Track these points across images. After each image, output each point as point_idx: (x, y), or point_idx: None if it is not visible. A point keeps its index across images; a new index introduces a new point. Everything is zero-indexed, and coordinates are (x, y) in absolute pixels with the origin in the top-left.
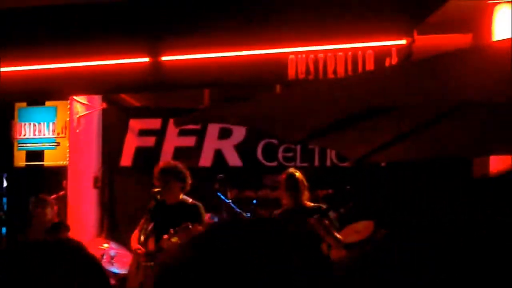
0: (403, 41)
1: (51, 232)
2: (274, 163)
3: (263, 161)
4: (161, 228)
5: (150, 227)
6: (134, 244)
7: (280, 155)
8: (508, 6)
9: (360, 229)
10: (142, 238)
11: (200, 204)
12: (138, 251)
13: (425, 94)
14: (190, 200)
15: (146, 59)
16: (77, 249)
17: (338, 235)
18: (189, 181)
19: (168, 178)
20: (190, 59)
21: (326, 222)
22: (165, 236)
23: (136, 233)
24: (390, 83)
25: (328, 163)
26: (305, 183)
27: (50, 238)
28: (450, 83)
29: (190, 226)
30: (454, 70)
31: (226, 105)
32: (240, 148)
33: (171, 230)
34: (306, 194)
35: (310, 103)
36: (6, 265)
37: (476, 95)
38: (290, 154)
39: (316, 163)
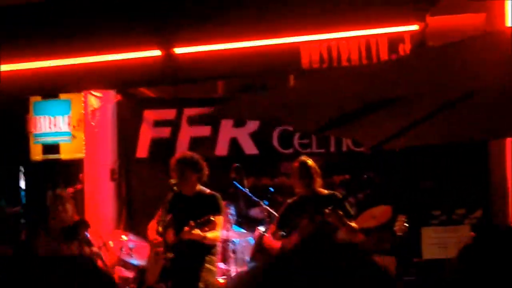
0: (416, 27)
1: (72, 230)
2: (290, 150)
3: (279, 149)
4: (179, 219)
5: (168, 218)
6: (152, 234)
7: (296, 142)
8: None
9: (378, 215)
10: (160, 229)
11: (217, 195)
12: (155, 241)
13: (438, 84)
14: (208, 190)
15: (159, 52)
16: (90, 266)
17: (352, 224)
18: (206, 171)
19: (184, 169)
20: (203, 51)
21: (340, 212)
22: (186, 228)
23: (153, 223)
24: (403, 73)
25: (344, 148)
26: (318, 170)
27: (71, 237)
28: (462, 72)
29: (212, 218)
30: (465, 58)
31: (239, 101)
32: (255, 136)
33: (192, 222)
34: (319, 181)
35: (324, 94)
36: (20, 279)
37: (488, 82)
38: (306, 141)
39: (332, 149)
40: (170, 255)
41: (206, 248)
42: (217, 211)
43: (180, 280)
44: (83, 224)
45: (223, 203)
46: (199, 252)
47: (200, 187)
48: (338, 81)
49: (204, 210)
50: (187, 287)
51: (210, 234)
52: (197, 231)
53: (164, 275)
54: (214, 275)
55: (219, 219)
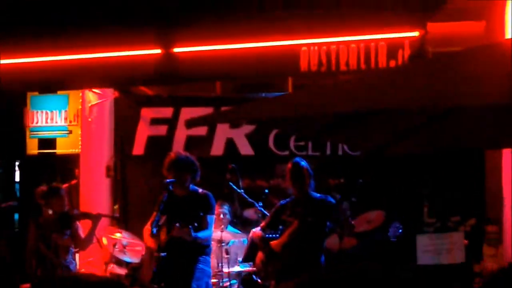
0: (415, 33)
1: (66, 218)
2: (286, 152)
3: (275, 150)
4: (172, 219)
5: (162, 219)
6: (147, 238)
7: (291, 144)
8: None
9: (372, 219)
10: (153, 230)
11: (210, 194)
12: (150, 245)
13: (434, 95)
14: (200, 190)
15: (158, 51)
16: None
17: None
18: (199, 172)
19: (179, 170)
20: (202, 50)
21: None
22: (176, 226)
23: (148, 226)
24: (400, 82)
25: (340, 152)
26: (310, 172)
27: (65, 226)
28: (459, 83)
29: (202, 214)
30: (464, 69)
31: (237, 107)
32: (251, 137)
33: (177, 224)
34: (311, 184)
35: (321, 100)
36: None
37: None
38: (301, 143)
39: (328, 152)
40: (160, 254)
41: (199, 248)
42: (210, 210)
43: (174, 280)
44: (73, 215)
45: (215, 202)
46: (192, 252)
47: (192, 186)
48: (335, 88)
49: (197, 210)
50: (180, 287)
51: (201, 234)
52: (187, 229)
53: (158, 274)
54: (207, 275)
55: (211, 218)
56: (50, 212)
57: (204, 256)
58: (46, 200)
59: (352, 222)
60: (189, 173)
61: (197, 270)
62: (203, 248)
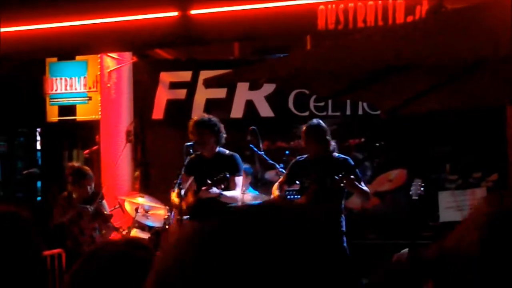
0: None
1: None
2: (306, 113)
3: (295, 111)
4: (199, 181)
5: (189, 181)
6: (175, 200)
7: (311, 104)
8: None
9: (394, 178)
10: (182, 192)
11: (236, 155)
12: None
13: (455, 49)
14: (227, 151)
15: (175, 13)
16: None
17: (365, 188)
18: (224, 134)
19: (203, 132)
20: (219, 12)
21: (352, 177)
22: (204, 188)
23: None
24: (420, 38)
25: (360, 111)
26: (327, 133)
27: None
28: (481, 36)
29: (228, 176)
30: (484, 22)
31: (255, 64)
32: (271, 99)
33: (208, 181)
34: (331, 144)
35: (340, 58)
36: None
37: (507, 47)
38: (321, 104)
39: (348, 112)
40: (185, 217)
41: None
42: (236, 171)
43: None
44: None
45: (242, 164)
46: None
47: (219, 148)
48: (354, 45)
49: (223, 171)
50: None
51: (228, 192)
52: (213, 188)
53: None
54: None
55: (238, 179)
56: (74, 195)
57: None
58: (73, 179)
59: (365, 188)
60: (212, 134)
61: None
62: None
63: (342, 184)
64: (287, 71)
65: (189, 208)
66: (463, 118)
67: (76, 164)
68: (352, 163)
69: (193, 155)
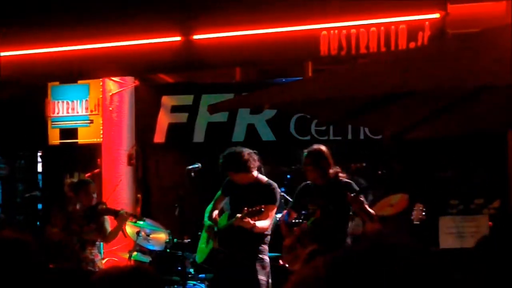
0: (436, 15)
1: (92, 211)
2: (307, 137)
3: (296, 135)
4: (234, 205)
5: (221, 203)
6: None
7: (313, 129)
8: None
9: (395, 203)
10: (214, 213)
11: (273, 184)
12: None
13: (457, 76)
14: (265, 179)
15: (178, 38)
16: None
17: (370, 210)
18: (256, 163)
19: (232, 170)
20: (221, 37)
21: (361, 198)
22: (239, 215)
23: (212, 208)
24: (422, 64)
25: (362, 136)
26: (329, 158)
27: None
28: (482, 63)
29: (263, 210)
30: (486, 49)
31: (259, 91)
32: (272, 123)
33: (245, 209)
34: (333, 169)
35: (341, 85)
36: None
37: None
38: (323, 128)
39: (349, 136)
40: (216, 244)
41: (258, 237)
42: (272, 201)
43: (235, 271)
44: (102, 209)
45: (278, 192)
46: (252, 241)
47: (258, 175)
48: (357, 71)
49: (259, 199)
50: (243, 277)
51: (259, 223)
52: (247, 219)
53: (215, 261)
54: (267, 264)
55: (272, 209)
56: (78, 206)
57: (262, 245)
58: (75, 193)
59: (371, 211)
60: (244, 172)
61: (258, 261)
62: (262, 237)
63: (352, 202)
64: (290, 98)
65: (220, 231)
66: (465, 144)
67: (74, 179)
68: (356, 187)
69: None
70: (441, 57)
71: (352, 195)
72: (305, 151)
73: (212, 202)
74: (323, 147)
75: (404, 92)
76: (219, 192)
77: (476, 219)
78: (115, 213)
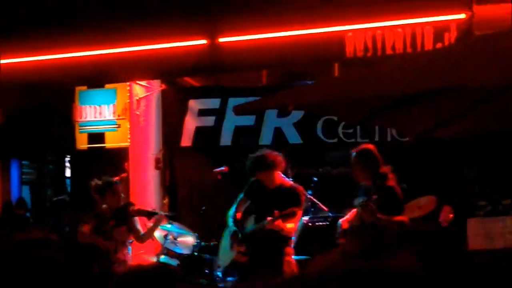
0: (462, 15)
1: (122, 213)
2: (335, 140)
3: (323, 138)
4: (260, 209)
5: (245, 206)
6: (233, 223)
7: (340, 131)
8: None
9: (423, 204)
10: (239, 215)
11: (299, 187)
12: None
13: (483, 75)
14: (290, 182)
15: (204, 41)
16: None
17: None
18: (282, 165)
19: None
20: (247, 40)
21: (372, 205)
22: (269, 218)
23: (234, 211)
24: (448, 63)
25: (389, 138)
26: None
27: (122, 221)
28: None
29: (295, 213)
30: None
31: (282, 91)
32: (299, 126)
33: (276, 212)
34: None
35: (369, 84)
36: None
37: None
38: (350, 131)
39: (377, 138)
40: (242, 248)
41: (285, 240)
42: (298, 204)
43: (262, 273)
44: (132, 211)
45: (304, 195)
46: (279, 244)
47: (281, 178)
48: (383, 71)
49: (286, 203)
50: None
51: (288, 225)
52: (279, 222)
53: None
54: (293, 267)
55: (298, 211)
56: (104, 206)
57: (288, 248)
58: (101, 194)
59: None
60: (269, 171)
61: (285, 263)
62: (288, 239)
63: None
64: (314, 98)
65: (247, 234)
66: (493, 143)
67: (99, 181)
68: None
69: (254, 179)
70: (466, 57)
71: (363, 202)
72: (353, 151)
73: (234, 205)
74: (371, 147)
75: (428, 91)
76: (241, 195)
77: (505, 219)
78: (149, 214)
